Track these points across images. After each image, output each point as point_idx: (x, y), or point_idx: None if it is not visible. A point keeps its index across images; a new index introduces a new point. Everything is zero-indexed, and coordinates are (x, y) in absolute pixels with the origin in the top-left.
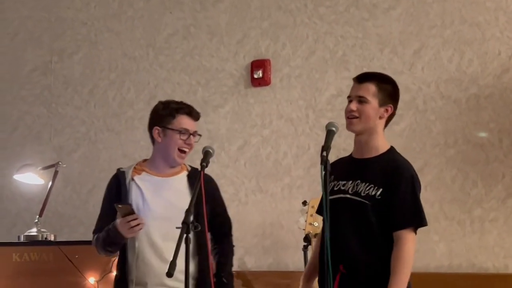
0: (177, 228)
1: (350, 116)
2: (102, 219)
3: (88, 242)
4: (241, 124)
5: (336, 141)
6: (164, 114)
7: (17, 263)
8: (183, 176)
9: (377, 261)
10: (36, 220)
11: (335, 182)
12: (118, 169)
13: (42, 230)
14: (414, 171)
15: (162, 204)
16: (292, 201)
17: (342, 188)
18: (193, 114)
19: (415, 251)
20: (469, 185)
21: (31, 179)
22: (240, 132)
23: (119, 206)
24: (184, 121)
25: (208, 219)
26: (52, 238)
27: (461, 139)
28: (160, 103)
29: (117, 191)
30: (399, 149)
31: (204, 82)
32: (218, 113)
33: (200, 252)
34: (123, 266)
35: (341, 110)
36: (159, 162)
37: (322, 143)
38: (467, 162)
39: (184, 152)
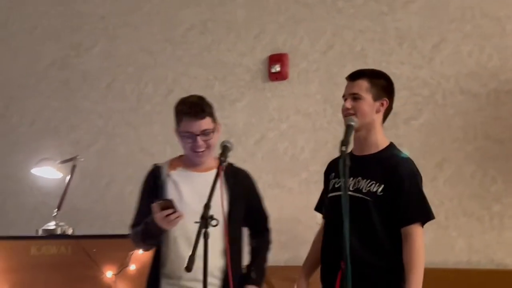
0: (195, 222)
1: (346, 114)
2: (140, 213)
3: (106, 236)
4: (258, 118)
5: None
6: (176, 117)
7: (35, 256)
8: (213, 173)
9: (379, 257)
10: (54, 214)
11: (336, 179)
12: (154, 165)
13: (60, 223)
14: (415, 165)
15: (198, 199)
16: (309, 196)
17: (343, 185)
18: (194, 114)
19: (434, 247)
20: (488, 181)
21: (49, 173)
22: (257, 126)
23: (159, 202)
24: (187, 124)
25: (245, 215)
26: (70, 231)
27: (481, 134)
28: (176, 103)
29: (154, 185)
30: (417, 144)
31: (221, 77)
32: (235, 108)
33: (231, 248)
34: (157, 260)
35: None
36: (188, 160)
37: (340, 137)
38: (487, 157)
39: (198, 152)
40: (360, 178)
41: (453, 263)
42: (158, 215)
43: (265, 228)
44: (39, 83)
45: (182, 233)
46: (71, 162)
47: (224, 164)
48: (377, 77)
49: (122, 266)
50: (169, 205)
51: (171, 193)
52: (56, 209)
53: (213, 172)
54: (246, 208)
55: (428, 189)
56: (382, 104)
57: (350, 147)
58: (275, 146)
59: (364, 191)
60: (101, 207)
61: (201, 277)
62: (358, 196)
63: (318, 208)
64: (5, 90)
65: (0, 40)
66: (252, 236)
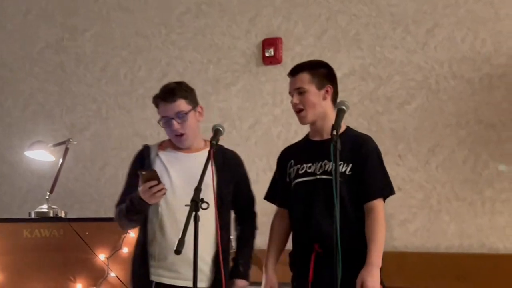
0: (186, 205)
1: (297, 110)
2: (126, 192)
3: (98, 219)
4: (252, 103)
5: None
6: (155, 106)
7: (27, 239)
8: (206, 152)
9: (352, 237)
10: (47, 197)
11: (298, 165)
12: (144, 145)
13: (53, 206)
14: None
15: (185, 179)
16: None
17: (309, 170)
18: (165, 98)
19: (426, 231)
20: (480, 165)
21: (42, 156)
22: (251, 111)
23: (143, 172)
24: (161, 109)
25: (232, 198)
26: (62, 214)
27: (473, 119)
28: None
29: (141, 165)
30: (410, 129)
31: (215, 60)
32: (230, 91)
33: (220, 232)
34: (143, 241)
35: (353, 89)
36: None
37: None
38: (479, 142)
39: (177, 135)
40: (326, 161)
41: (445, 247)
42: (142, 188)
43: (251, 212)
44: (34, 66)
45: (170, 214)
46: (64, 145)
47: (215, 146)
48: (316, 67)
49: (114, 249)
50: (153, 176)
51: (158, 172)
52: (49, 192)
53: (202, 152)
54: (233, 190)
55: (420, 174)
56: (327, 91)
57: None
58: (269, 130)
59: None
60: (94, 191)
61: (189, 259)
62: (327, 178)
63: (270, 197)
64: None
65: None
66: (239, 221)
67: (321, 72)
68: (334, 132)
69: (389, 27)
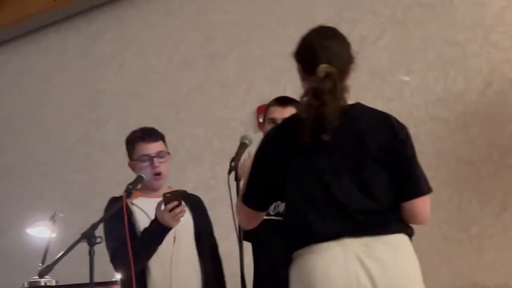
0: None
1: None
2: (117, 237)
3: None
4: None
5: None
6: (128, 149)
7: None
8: None
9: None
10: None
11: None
12: (112, 197)
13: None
14: None
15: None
16: None
17: (279, 210)
18: (147, 137)
19: None
20: (464, 203)
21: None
22: None
23: (168, 195)
24: (142, 148)
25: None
26: (53, 283)
27: (453, 158)
28: (126, 137)
29: (121, 210)
30: None
31: (219, 133)
32: None
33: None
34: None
35: None
36: (147, 188)
37: None
38: (461, 180)
39: (157, 173)
40: (279, 202)
41: None
42: (162, 211)
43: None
44: (67, 160)
45: (155, 257)
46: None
47: (130, 191)
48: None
49: None
50: (176, 197)
51: (140, 219)
52: (40, 263)
53: None
54: (197, 232)
55: None
56: None
57: None
58: None
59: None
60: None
61: None
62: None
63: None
64: (41, 168)
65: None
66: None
67: None
68: (233, 163)
69: (367, 79)
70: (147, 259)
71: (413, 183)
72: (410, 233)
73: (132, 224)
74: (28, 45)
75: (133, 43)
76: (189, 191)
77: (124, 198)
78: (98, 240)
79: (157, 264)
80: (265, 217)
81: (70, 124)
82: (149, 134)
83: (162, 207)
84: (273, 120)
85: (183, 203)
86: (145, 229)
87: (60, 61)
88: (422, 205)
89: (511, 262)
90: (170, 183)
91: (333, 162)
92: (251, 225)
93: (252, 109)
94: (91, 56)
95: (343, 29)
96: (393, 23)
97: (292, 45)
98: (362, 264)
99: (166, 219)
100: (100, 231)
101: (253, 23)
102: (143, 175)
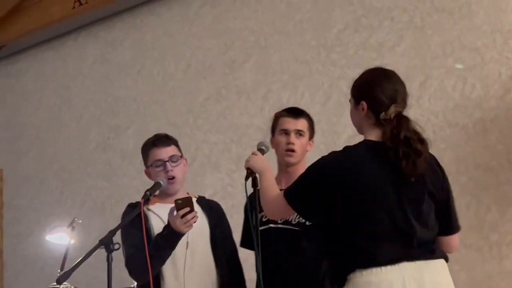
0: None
1: (290, 149)
2: (132, 244)
3: None
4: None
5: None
6: (143, 156)
7: None
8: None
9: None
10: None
11: (263, 213)
12: (130, 203)
13: (65, 283)
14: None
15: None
16: None
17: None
18: (159, 143)
19: None
20: (483, 210)
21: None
22: None
23: (179, 201)
24: (155, 154)
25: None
26: None
27: (472, 165)
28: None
29: (138, 217)
30: None
31: (236, 139)
32: None
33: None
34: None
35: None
36: (164, 194)
37: None
38: (480, 187)
39: (171, 178)
40: None
41: None
42: (174, 217)
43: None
44: (87, 166)
45: (171, 266)
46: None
47: (148, 197)
48: (310, 119)
49: None
50: (188, 203)
51: (155, 225)
52: (60, 270)
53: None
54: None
55: None
56: (310, 145)
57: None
58: None
59: (293, 222)
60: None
61: None
62: (287, 228)
63: (245, 243)
64: (60, 174)
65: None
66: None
67: (312, 125)
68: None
69: None
70: (160, 264)
71: (453, 220)
72: (447, 259)
73: (147, 229)
74: (47, 52)
75: (152, 50)
76: (207, 197)
77: (142, 204)
78: (116, 246)
79: (170, 269)
80: (272, 225)
81: (89, 131)
82: (161, 139)
83: (175, 213)
84: (285, 131)
85: (196, 208)
86: (158, 234)
87: (79, 68)
88: (457, 240)
89: None
90: (188, 190)
91: (399, 193)
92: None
93: (270, 115)
94: (110, 63)
95: (361, 36)
96: (411, 29)
97: (309, 51)
98: (420, 286)
99: (178, 225)
100: (118, 238)
101: (270, 29)
102: (161, 182)
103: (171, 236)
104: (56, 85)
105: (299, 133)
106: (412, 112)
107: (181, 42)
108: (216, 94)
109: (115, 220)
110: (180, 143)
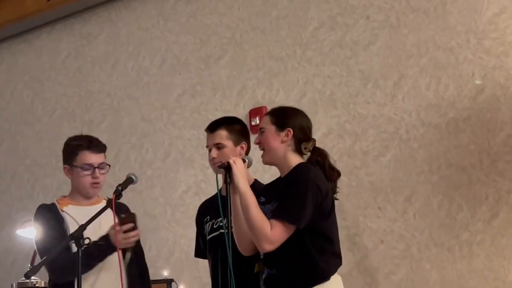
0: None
1: (214, 163)
2: (52, 240)
3: None
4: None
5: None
6: (67, 153)
7: None
8: (103, 205)
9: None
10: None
11: (213, 220)
12: (42, 204)
13: (33, 278)
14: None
15: (97, 232)
16: None
17: (221, 224)
18: (94, 148)
19: (409, 282)
20: (455, 209)
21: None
22: None
23: (123, 216)
24: (86, 156)
25: None
26: (42, 284)
27: (444, 164)
28: (66, 141)
29: (55, 216)
30: (387, 180)
31: None
32: None
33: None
34: None
35: (332, 147)
36: (78, 195)
37: None
38: (451, 186)
39: (96, 183)
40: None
41: None
42: (117, 231)
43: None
44: (59, 161)
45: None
46: None
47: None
48: (231, 123)
49: None
50: (132, 219)
51: (71, 227)
52: (29, 265)
53: (100, 205)
54: None
55: (400, 223)
56: (242, 148)
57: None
58: None
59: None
60: None
61: None
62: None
63: (200, 254)
64: (32, 169)
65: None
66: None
67: (237, 129)
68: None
69: (360, 84)
70: (85, 271)
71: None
72: None
73: (63, 231)
74: (21, 45)
75: (127, 44)
76: (180, 193)
77: (113, 198)
78: (86, 241)
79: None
80: (218, 232)
81: (62, 125)
82: (95, 144)
83: (117, 227)
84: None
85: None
86: (94, 243)
87: (53, 61)
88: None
89: (501, 269)
90: (162, 185)
91: None
92: (278, 245)
93: (245, 112)
94: (84, 57)
95: (337, 34)
96: (387, 28)
97: (285, 48)
98: None
99: (119, 239)
100: (87, 233)
101: (246, 26)
102: (133, 177)
103: (106, 249)
104: (29, 78)
105: (217, 146)
106: (385, 110)
107: (156, 37)
108: (191, 89)
109: None
110: (153, 139)
